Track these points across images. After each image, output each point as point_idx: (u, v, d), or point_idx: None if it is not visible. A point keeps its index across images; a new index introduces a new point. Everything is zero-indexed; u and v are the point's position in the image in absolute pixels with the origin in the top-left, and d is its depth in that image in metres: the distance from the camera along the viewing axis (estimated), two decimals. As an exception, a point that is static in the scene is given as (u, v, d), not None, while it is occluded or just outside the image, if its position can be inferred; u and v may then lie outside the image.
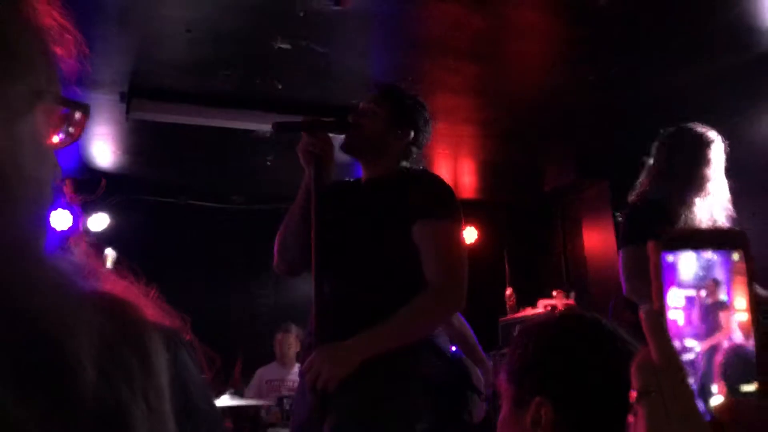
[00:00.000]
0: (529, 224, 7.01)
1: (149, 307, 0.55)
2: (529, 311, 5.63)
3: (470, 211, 6.99)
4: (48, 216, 0.51)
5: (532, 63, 4.25)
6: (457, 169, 6.22)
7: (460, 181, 6.52)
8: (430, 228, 2.06)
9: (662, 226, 2.52)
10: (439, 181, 2.19)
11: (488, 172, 6.48)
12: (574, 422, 0.97)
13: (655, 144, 2.81)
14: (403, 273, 2.04)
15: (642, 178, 2.80)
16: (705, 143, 2.70)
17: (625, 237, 2.71)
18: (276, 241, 2.24)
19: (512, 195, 6.86)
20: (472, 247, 7.01)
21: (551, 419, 0.97)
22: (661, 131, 2.82)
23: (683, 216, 2.58)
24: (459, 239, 2.13)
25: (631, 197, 2.79)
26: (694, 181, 2.65)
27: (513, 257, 7.00)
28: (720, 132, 2.77)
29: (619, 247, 2.73)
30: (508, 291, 6.14)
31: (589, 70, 4.24)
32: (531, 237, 7.01)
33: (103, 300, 0.50)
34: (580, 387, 0.99)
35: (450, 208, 2.11)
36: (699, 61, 4.11)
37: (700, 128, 2.75)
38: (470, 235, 7.02)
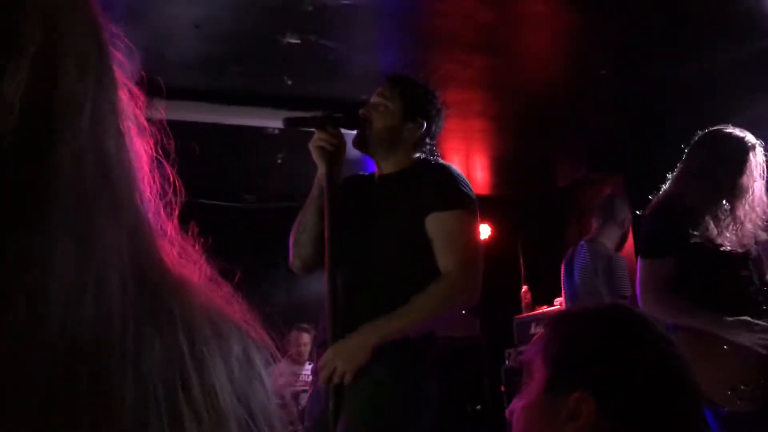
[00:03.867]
0: (544, 220, 6.94)
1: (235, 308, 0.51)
2: (545, 309, 5.56)
3: (484, 207, 6.87)
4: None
5: (543, 55, 4.20)
6: (470, 164, 6.17)
7: (472, 177, 6.46)
8: (443, 219, 2.03)
9: (686, 240, 2.40)
10: (450, 172, 2.14)
11: (501, 168, 6.43)
12: (618, 423, 0.92)
13: (689, 146, 2.62)
14: (418, 269, 2.01)
15: (670, 180, 2.63)
16: (744, 149, 2.49)
17: (645, 247, 2.59)
18: (290, 238, 2.22)
19: (526, 191, 6.80)
20: (486, 244, 6.96)
21: (593, 417, 0.92)
22: (697, 133, 2.63)
23: (710, 227, 2.41)
24: (471, 228, 2.09)
25: (656, 200, 2.63)
26: (729, 190, 2.45)
27: (528, 254, 6.94)
28: (736, 123, 2.64)
29: (637, 254, 2.63)
30: (524, 288, 6.08)
31: (601, 62, 4.17)
32: (546, 234, 6.94)
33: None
34: (632, 387, 0.94)
35: (461, 197, 2.07)
36: (715, 50, 4.02)
37: (739, 132, 2.55)
38: (484, 231, 6.97)
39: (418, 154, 2.22)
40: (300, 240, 2.18)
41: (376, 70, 4.05)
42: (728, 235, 2.42)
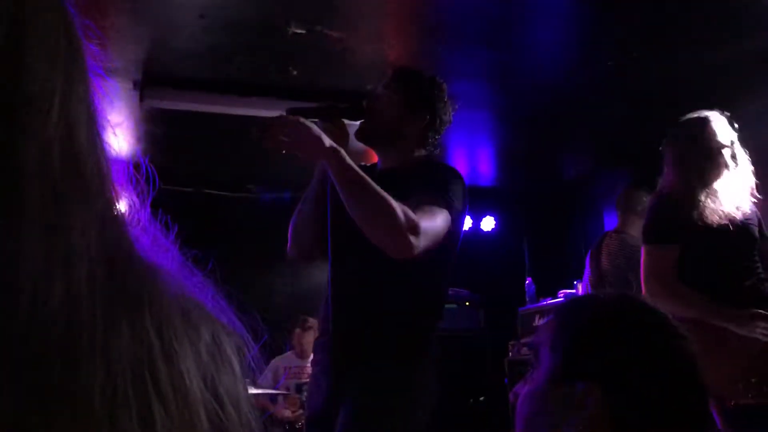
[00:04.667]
0: (549, 213, 6.93)
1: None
2: (549, 301, 5.56)
3: (488, 199, 6.96)
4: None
5: (550, 47, 4.17)
6: (474, 157, 6.15)
7: (477, 169, 6.46)
8: (418, 197, 1.94)
9: (682, 225, 2.48)
10: (447, 177, 2.07)
11: (506, 160, 6.41)
12: (624, 414, 0.91)
13: (668, 136, 2.73)
14: (416, 261, 1.99)
15: (663, 170, 2.71)
16: (708, 130, 2.59)
17: (645, 234, 2.64)
18: (290, 225, 2.20)
19: (531, 183, 6.79)
20: (491, 236, 6.96)
21: (598, 407, 0.91)
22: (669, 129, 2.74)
23: (703, 209, 2.48)
24: (443, 220, 1.94)
25: (660, 186, 2.71)
26: (706, 172, 2.55)
27: (532, 246, 6.93)
28: (748, 116, 2.68)
29: (642, 242, 2.67)
30: (528, 281, 6.08)
31: (608, 54, 4.15)
32: (551, 226, 6.93)
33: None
34: (639, 378, 0.93)
35: (443, 198, 1.96)
36: (725, 43, 3.99)
37: (703, 114, 2.65)
38: (488, 223, 6.97)
39: (422, 151, 2.17)
40: (298, 228, 2.17)
41: (381, 61, 4.04)
42: (723, 211, 2.48)
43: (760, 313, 2.34)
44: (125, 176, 0.51)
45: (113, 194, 0.46)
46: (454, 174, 2.08)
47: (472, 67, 4.25)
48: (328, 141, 1.88)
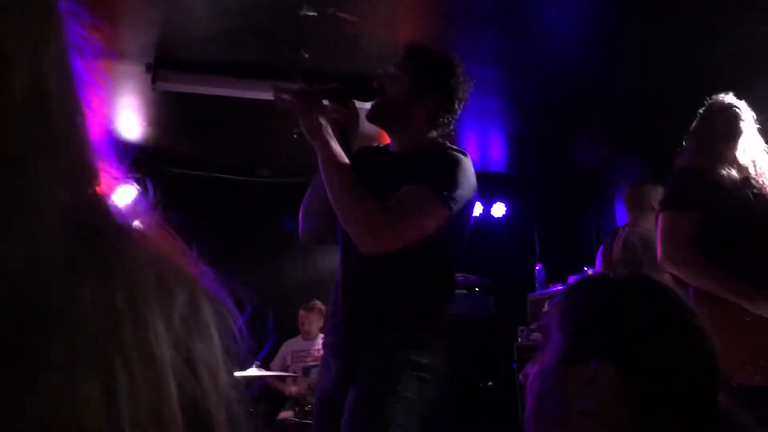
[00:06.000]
0: (560, 199, 6.90)
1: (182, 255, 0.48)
2: (558, 287, 5.55)
3: (499, 185, 6.94)
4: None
5: (563, 32, 4.13)
6: (486, 142, 6.12)
7: (488, 155, 6.43)
8: (408, 188, 1.93)
9: (701, 196, 2.45)
10: (449, 158, 2.01)
11: (517, 146, 6.38)
12: (636, 392, 0.91)
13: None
14: (424, 245, 1.98)
15: (685, 146, 2.69)
16: (731, 112, 2.60)
17: (664, 202, 2.61)
18: (301, 209, 2.20)
19: (542, 169, 6.75)
20: (502, 222, 6.95)
21: (610, 385, 0.91)
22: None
23: (724, 183, 2.46)
24: (426, 209, 1.91)
25: (677, 163, 2.67)
26: (729, 150, 2.55)
27: (543, 233, 6.91)
28: (757, 103, 2.67)
29: (659, 211, 2.63)
30: (538, 267, 6.07)
31: (623, 40, 4.11)
32: (562, 212, 6.91)
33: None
34: (652, 356, 0.92)
35: (441, 187, 1.92)
36: (739, 31, 3.94)
37: (728, 96, 2.65)
38: (499, 210, 6.96)
39: (434, 132, 2.11)
40: (309, 211, 2.17)
41: (393, 45, 4.02)
42: (743, 186, 2.46)
43: None
44: (113, 149, 0.48)
45: (90, 156, 0.44)
46: (459, 162, 2.00)
47: (484, 51, 4.22)
48: (324, 132, 1.95)
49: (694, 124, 2.69)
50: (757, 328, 2.25)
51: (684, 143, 2.69)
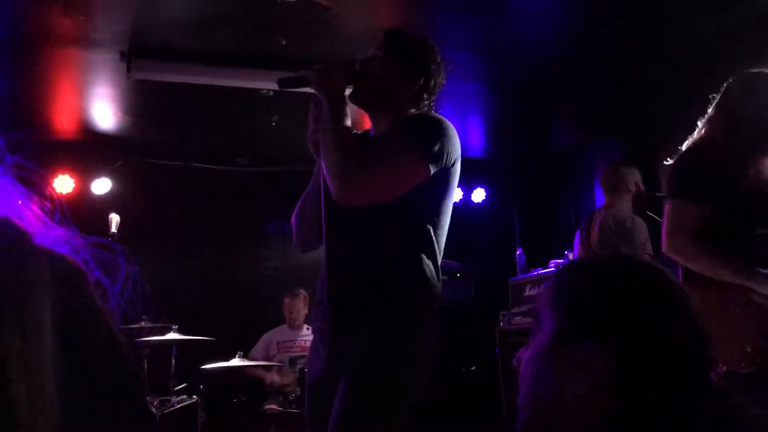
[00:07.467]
0: (539, 184, 6.93)
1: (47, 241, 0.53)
2: (539, 271, 5.58)
3: (478, 170, 6.95)
4: None
5: (538, 15, 4.12)
6: (464, 128, 6.12)
7: (467, 141, 6.43)
8: (386, 143, 2.01)
9: (719, 183, 2.28)
10: (429, 117, 2.09)
11: (495, 131, 6.39)
12: (627, 374, 0.91)
13: (723, 89, 2.45)
14: (407, 223, 1.99)
15: (701, 126, 2.47)
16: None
17: (674, 187, 2.39)
18: (293, 220, 2.23)
19: (521, 154, 6.77)
20: (481, 208, 6.97)
21: (602, 367, 0.91)
22: (731, 78, 2.45)
23: (751, 173, 2.28)
24: (405, 162, 1.97)
25: (688, 145, 2.47)
26: (761, 131, 2.32)
27: (523, 217, 6.94)
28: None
29: (667, 199, 2.42)
30: (518, 251, 6.10)
31: (600, 23, 4.12)
32: (541, 197, 6.94)
33: None
34: (643, 338, 0.92)
35: (416, 140, 1.98)
36: (714, 12, 3.96)
37: (764, 70, 2.39)
38: (478, 195, 6.98)
39: (413, 110, 2.15)
40: (301, 223, 2.20)
41: (370, 30, 3.99)
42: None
43: None
44: None
45: None
46: (439, 121, 2.05)
47: (460, 35, 4.20)
48: (344, 93, 2.03)
49: (726, 96, 2.43)
50: (749, 317, 2.24)
51: (710, 113, 2.45)
